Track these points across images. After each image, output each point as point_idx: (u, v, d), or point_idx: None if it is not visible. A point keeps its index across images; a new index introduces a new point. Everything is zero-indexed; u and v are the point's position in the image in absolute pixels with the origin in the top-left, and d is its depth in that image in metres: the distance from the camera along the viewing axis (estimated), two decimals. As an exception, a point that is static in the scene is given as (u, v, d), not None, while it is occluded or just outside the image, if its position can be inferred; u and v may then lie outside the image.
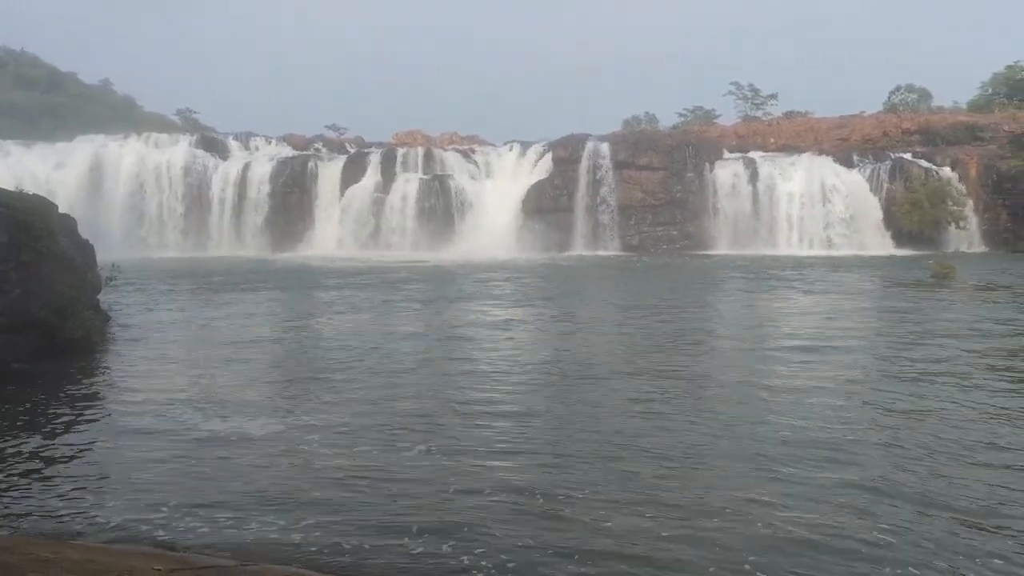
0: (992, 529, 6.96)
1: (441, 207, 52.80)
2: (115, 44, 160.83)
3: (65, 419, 10.76)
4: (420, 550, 6.64)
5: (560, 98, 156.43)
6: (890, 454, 8.96)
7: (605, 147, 53.71)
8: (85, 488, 8.14)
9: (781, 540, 6.73)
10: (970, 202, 51.52)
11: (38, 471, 8.67)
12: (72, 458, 9.14)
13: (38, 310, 14.46)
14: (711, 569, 6.28)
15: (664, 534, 6.88)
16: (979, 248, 50.55)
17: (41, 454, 9.24)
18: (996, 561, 6.37)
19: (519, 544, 6.72)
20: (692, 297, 25.78)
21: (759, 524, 7.03)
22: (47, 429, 10.26)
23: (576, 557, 6.48)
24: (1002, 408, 10.82)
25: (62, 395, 12.12)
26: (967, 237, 51.23)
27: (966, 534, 6.86)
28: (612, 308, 23.23)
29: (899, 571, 6.22)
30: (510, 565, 6.38)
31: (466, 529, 7.00)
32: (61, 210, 17.67)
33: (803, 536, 6.78)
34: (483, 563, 6.42)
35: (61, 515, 7.50)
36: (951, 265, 31.51)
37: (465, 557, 6.52)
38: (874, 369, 13.71)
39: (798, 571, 6.23)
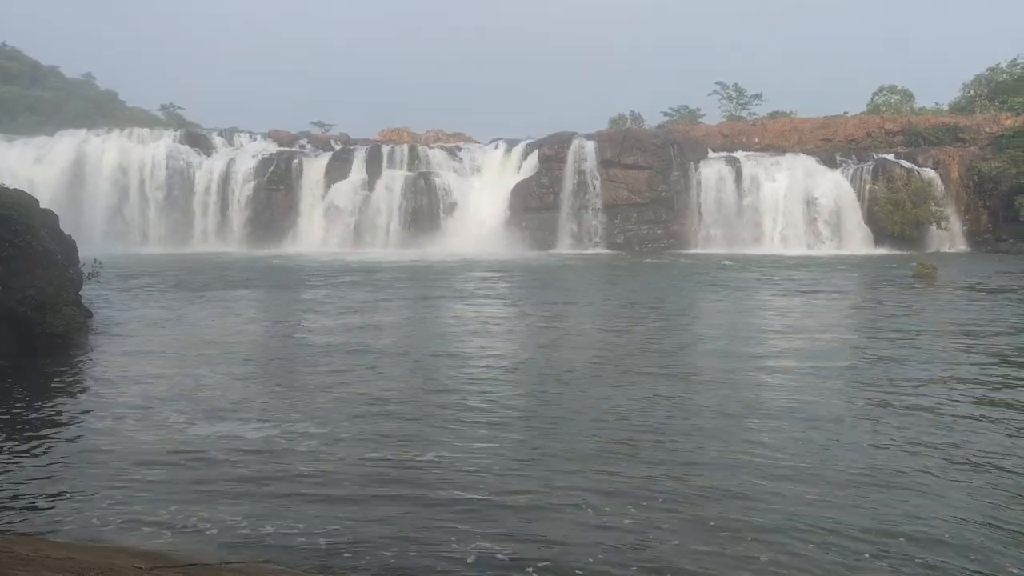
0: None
1: (426, 204, 52.75)
2: (98, 38, 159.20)
3: (45, 416, 10.66)
4: (409, 552, 6.63)
5: (545, 95, 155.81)
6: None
7: (591, 146, 53.81)
8: (66, 486, 8.08)
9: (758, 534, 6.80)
10: (951, 203, 52.05)
11: (18, 468, 8.59)
12: (52, 456, 9.06)
13: (18, 306, 14.34)
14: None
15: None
16: (960, 248, 51.07)
17: (20, 451, 9.16)
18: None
19: (507, 549, 6.73)
20: (679, 297, 25.88)
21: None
22: (27, 426, 10.17)
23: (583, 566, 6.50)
24: (989, 405, 10.96)
25: (42, 392, 12.01)
26: (948, 237, 51.74)
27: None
28: (600, 308, 23.26)
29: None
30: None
31: (454, 531, 7.02)
32: (42, 205, 17.51)
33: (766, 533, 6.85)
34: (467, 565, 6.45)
35: (42, 513, 7.43)
36: (932, 265, 31.81)
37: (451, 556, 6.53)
38: (856, 372, 13.81)
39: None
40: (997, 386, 12.25)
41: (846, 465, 8.55)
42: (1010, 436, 9.61)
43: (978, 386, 12.21)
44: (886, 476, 8.23)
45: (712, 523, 7.02)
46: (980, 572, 6.19)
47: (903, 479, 8.15)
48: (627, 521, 7.11)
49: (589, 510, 7.36)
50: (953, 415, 10.52)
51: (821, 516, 7.15)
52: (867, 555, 6.45)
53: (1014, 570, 6.24)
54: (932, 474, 8.29)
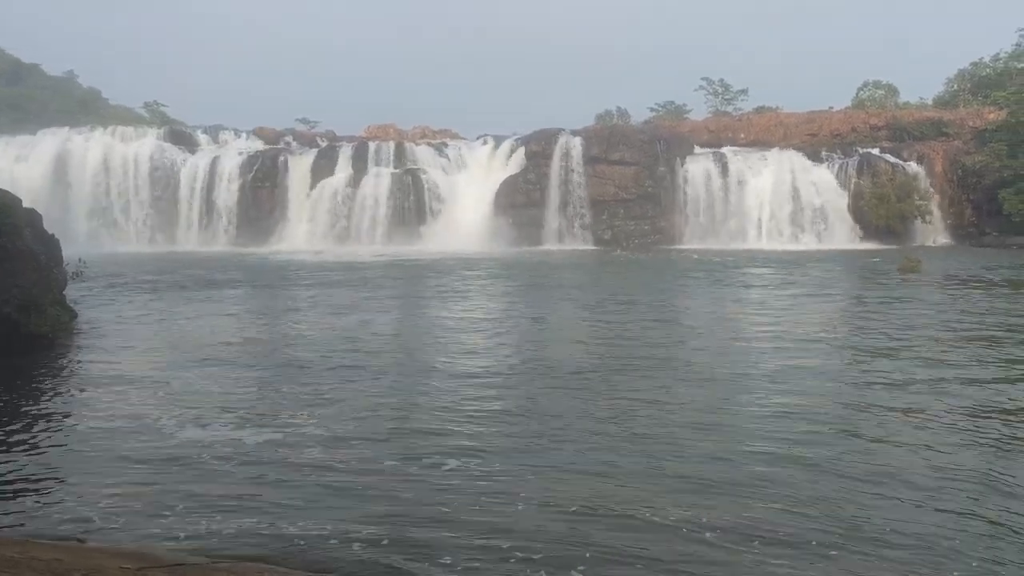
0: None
1: (413, 201, 52.61)
2: (80, 34, 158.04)
3: (30, 418, 10.56)
4: (401, 552, 6.60)
5: (541, 95, 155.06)
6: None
7: (578, 142, 53.81)
8: (53, 488, 8.02)
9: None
10: (936, 197, 52.36)
11: (3, 470, 8.51)
12: (38, 458, 8.99)
13: (1, 306, 14.20)
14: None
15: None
16: (944, 242, 51.39)
17: (5, 453, 9.08)
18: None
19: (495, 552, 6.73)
20: (667, 294, 25.92)
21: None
22: (11, 428, 10.07)
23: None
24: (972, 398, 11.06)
25: (27, 393, 11.90)
26: (933, 231, 52.04)
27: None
28: (591, 306, 23.22)
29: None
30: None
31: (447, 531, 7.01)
32: (25, 204, 17.34)
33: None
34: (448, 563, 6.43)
35: (28, 515, 7.37)
36: (917, 259, 32.06)
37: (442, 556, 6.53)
38: (841, 364, 13.89)
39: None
40: (983, 378, 12.35)
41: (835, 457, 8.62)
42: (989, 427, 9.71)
43: (962, 377, 12.30)
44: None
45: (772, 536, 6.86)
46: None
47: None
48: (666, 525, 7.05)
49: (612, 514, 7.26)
50: (938, 408, 10.61)
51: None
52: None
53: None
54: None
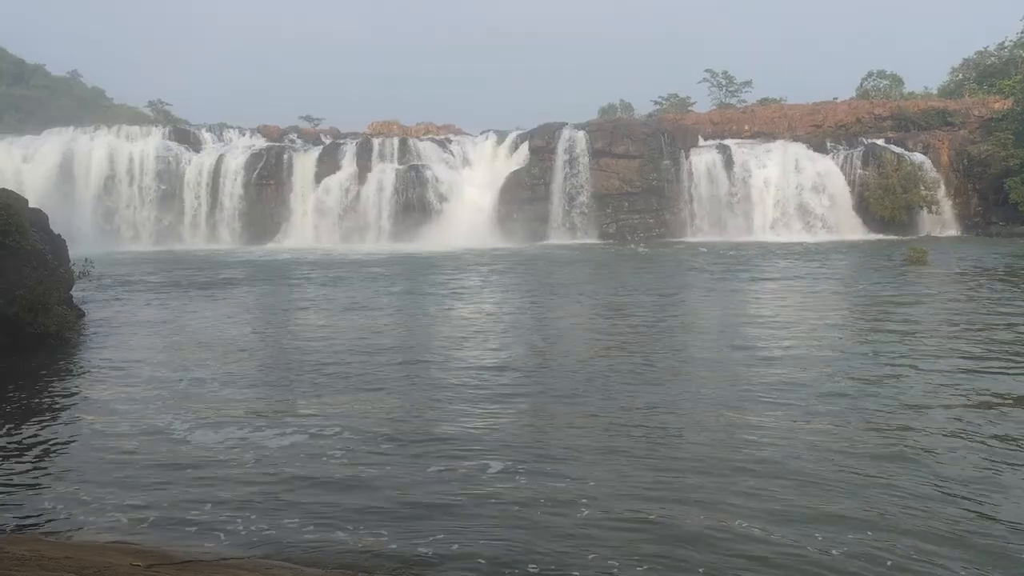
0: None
1: (417, 197, 52.57)
2: (84, 35, 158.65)
3: (38, 417, 10.60)
4: (404, 548, 6.61)
5: (532, 91, 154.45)
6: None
7: (581, 135, 53.70)
8: (62, 487, 8.04)
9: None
10: (942, 186, 52.11)
11: (12, 469, 8.55)
12: (48, 457, 9.03)
13: (7, 306, 14.27)
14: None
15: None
16: (951, 232, 51.19)
17: (14, 452, 9.12)
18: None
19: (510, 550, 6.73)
20: (672, 287, 25.88)
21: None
22: (20, 426, 10.11)
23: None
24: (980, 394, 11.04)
25: (35, 393, 11.94)
26: (939, 221, 51.81)
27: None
28: (600, 301, 23.18)
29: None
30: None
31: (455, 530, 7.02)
32: (32, 204, 17.42)
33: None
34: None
35: (37, 514, 7.41)
36: (923, 250, 31.93)
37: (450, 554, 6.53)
38: (845, 360, 13.86)
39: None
40: (988, 371, 12.32)
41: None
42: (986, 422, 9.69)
43: (965, 369, 12.28)
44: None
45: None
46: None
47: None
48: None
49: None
50: (939, 402, 10.60)
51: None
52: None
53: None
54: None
